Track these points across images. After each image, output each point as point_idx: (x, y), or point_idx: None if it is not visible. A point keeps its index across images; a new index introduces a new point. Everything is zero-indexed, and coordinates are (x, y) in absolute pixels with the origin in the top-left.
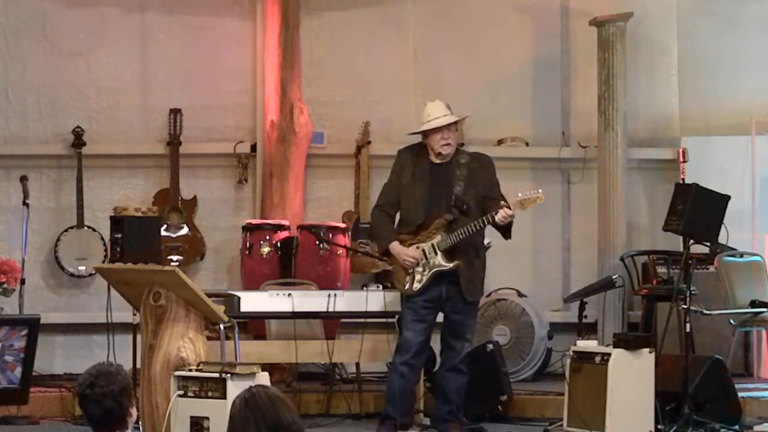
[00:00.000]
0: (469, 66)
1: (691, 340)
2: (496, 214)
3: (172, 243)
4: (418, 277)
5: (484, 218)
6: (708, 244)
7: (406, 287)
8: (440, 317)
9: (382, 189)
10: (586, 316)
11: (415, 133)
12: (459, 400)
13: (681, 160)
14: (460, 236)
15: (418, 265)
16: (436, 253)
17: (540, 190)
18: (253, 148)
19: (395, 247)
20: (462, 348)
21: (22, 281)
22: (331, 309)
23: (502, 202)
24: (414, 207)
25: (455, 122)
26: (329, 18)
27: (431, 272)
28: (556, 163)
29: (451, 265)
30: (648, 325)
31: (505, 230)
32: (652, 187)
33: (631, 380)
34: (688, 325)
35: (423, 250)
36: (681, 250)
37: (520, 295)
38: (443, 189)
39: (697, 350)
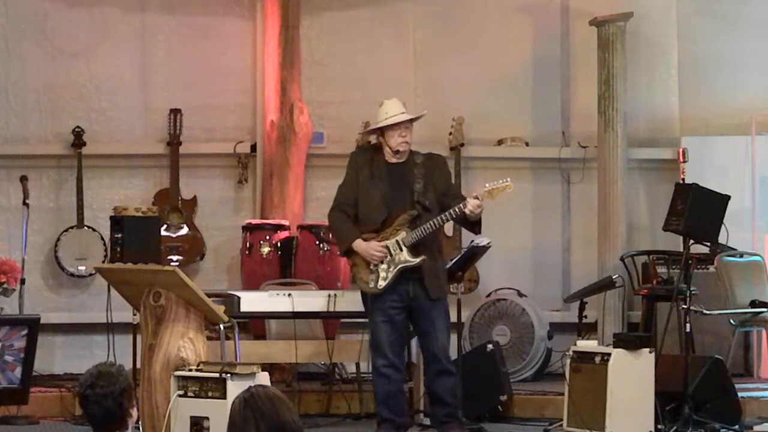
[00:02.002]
0: (469, 66)
1: (691, 340)
2: (464, 206)
3: (172, 243)
4: (383, 274)
5: (452, 210)
6: (708, 244)
7: (371, 286)
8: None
9: (337, 190)
10: (586, 316)
11: (371, 131)
12: (454, 400)
13: (681, 160)
14: (427, 230)
15: (383, 261)
16: (401, 249)
17: (508, 179)
18: (253, 148)
19: (359, 244)
20: (439, 348)
21: (22, 281)
22: (331, 309)
23: (474, 194)
24: (375, 205)
25: (412, 120)
26: (329, 18)
27: (397, 268)
28: (556, 163)
29: (418, 260)
30: (648, 325)
31: (474, 224)
32: (652, 187)
33: (631, 380)
34: (688, 325)
35: (387, 247)
36: (681, 250)
37: (520, 295)
38: (403, 187)
39: (697, 350)
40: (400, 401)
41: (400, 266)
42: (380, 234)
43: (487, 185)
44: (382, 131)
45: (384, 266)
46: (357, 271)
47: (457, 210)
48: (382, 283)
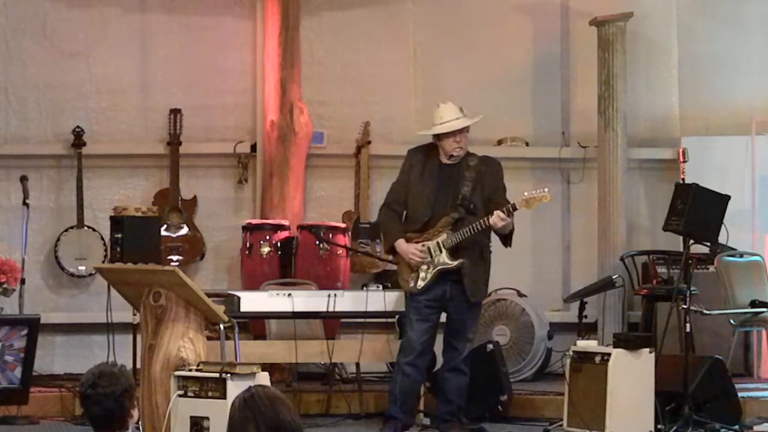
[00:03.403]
0: (469, 66)
1: (691, 340)
2: (489, 218)
3: (172, 243)
4: (422, 275)
5: (485, 219)
6: (708, 244)
7: (411, 285)
8: (443, 317)
9: (390, 187)
10: (586, 316)
11: (426, 134)
12: (460, 400)
13: (681, 160)
14: (465, 235)
15: (423, 263)
16: (441, 251)
17: (546, 189)
18: (253, 148)
19: (401, 244)
20: (463, 348)
21: (22, 281)
22: (331, 309)
23: (512, 202)
24: (421, 205)
25: (467, 126)
26: (329, 18)
27: (435, 270)
28: (556, 163)
29: (456, 263)
30: (648, 325)
31: (506, 238)
32: (652, 187)
33: (631, 380)
34: (688, 325)
35: (428, 248)
36: (681, 250)
37: (520, 295)
38: (451, 189)
39: (697, 350)
40: (411, 401)
41: (438, 268)
42: (424, 234)
43: (525, 194)
44: (437, 135)
45: (424, 267)
46: (400, 269)
47: (483, 222)
48: (421, 284)
